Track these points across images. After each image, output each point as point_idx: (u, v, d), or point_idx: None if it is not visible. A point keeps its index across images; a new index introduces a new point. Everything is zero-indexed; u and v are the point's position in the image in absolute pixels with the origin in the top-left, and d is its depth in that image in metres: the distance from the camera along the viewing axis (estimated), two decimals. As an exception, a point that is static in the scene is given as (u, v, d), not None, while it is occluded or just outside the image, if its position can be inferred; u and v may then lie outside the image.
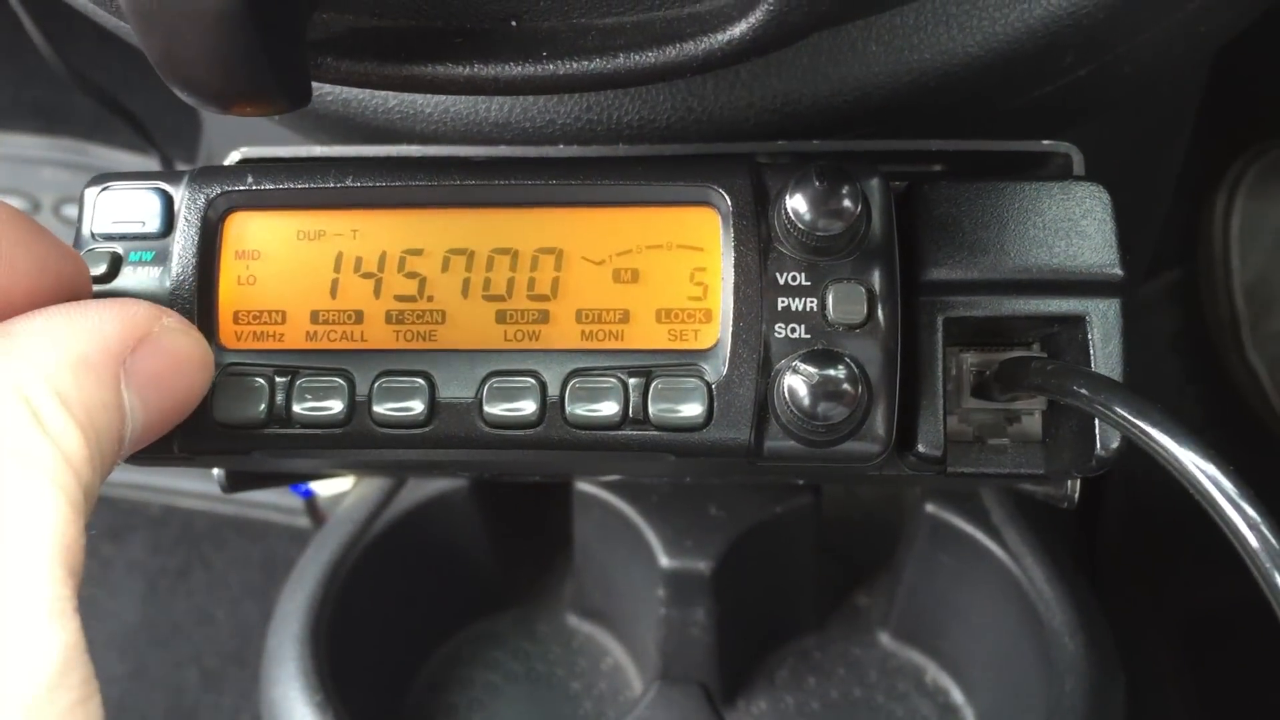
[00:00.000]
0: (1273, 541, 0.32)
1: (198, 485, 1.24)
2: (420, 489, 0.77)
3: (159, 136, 0.99)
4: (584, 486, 0.75)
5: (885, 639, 0.80)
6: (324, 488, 0.87)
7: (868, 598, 0.82)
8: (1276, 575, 0.31)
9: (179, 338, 0.38)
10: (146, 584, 1.20)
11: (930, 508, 0.73)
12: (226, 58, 0.35)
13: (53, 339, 0.34)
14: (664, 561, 0.71)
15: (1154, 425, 0.35)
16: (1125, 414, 0.36)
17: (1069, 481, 0.50)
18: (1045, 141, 0.49)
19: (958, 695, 0.78)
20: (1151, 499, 1.07)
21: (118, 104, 0.85)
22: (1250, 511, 0.33)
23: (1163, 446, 0.35)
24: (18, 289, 0.36)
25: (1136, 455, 0.41)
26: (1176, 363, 1.16)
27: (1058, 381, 0.40)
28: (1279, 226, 1.11)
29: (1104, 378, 0.39)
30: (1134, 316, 0.43)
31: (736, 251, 0.42)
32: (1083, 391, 0.38)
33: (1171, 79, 0.67)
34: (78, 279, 0.39)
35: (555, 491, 0.79)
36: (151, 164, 1.07)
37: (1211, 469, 0.33)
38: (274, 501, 1.23)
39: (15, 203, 1.35)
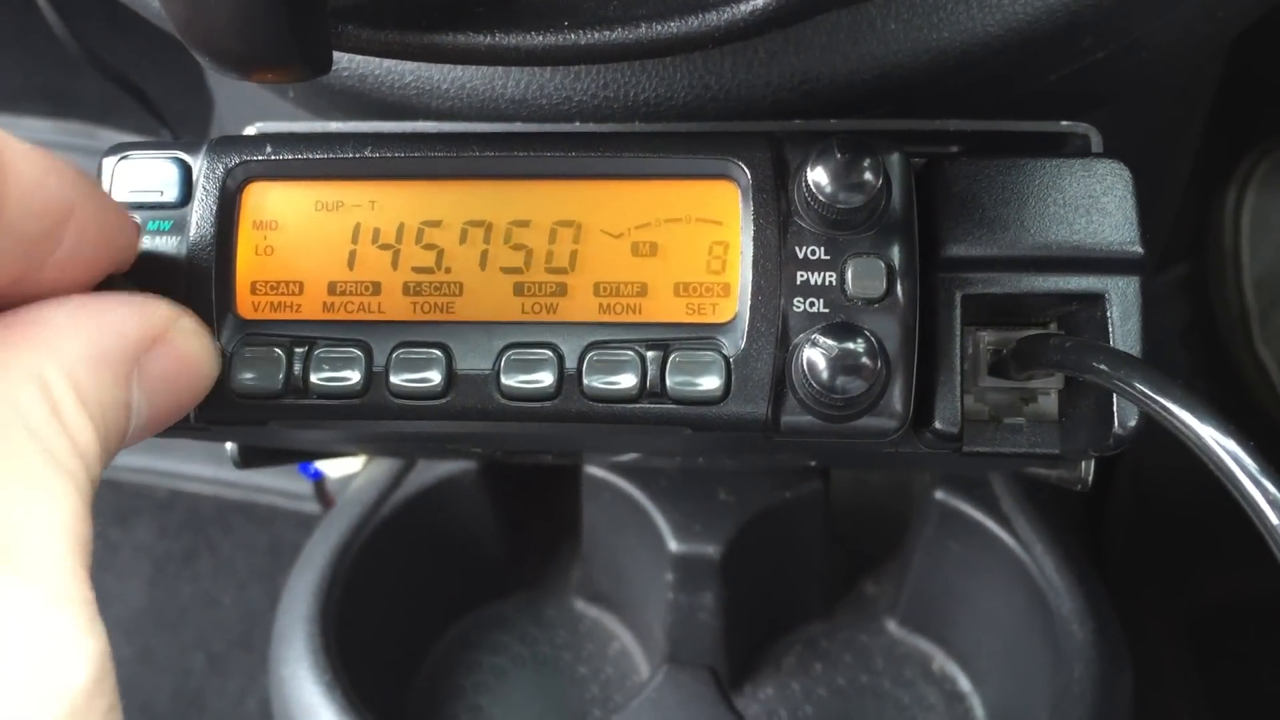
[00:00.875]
0: None
1: (204, 469, 1.24)
2: (429, 472, 0.77)
3: (170, 117, 0.99)
4: (593, 470, 0.75)
5: (893, 626, 0.80)
6: (333, 470, 0.87)
7: (876, 585, 0.82)
8: None
9: (192, 341, 0.39)
10: (153, 568, 1.21)
11: (939, 495, 0.73)
12: (249, 22, 0.35)
13: (76, 331, 0.35)
14: (673, 546, 0.71)
15: (1175, 401, 0.35)
16: (1146, 389, 0.36)
17: (1083, 463, 0.49)
18: (1064, 122, 0.49)
19: (965, 683, 0.78)
20: (1159, 490, 1.07)
21: (129, 83, 0.85)
22: (1271, 488, 0.33)
23: (1183, 422, 0.34)
24: (80, 260, 0.37)
25: (1144, 446, 0.41)
26: (1185, 356, 1.16)
27: (1077, 357, 0.39)
28: (1289, 221, 1.11)
29: (1124, 353, 0.39)
30: (1153, 295, 0.43)
31: (756, 225, 0.42)
32: (1102, 367, 0.38)
33: (1188, 67, 0.67)
34: (130, 248, 0.41)
35: (564, 475, 0.79)
36: (162, 147, 1.06)
37: (1232, 445, 0.33)
38: (280, 486, 1.23)
39: (25, 186, 1.35)
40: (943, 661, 0.79)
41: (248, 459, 0.55)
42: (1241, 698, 1.02)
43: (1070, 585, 0.68)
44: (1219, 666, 1.03)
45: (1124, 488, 1.09)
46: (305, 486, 1.08)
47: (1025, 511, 0.71)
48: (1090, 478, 0.50)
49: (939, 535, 0.75)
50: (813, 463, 0.71)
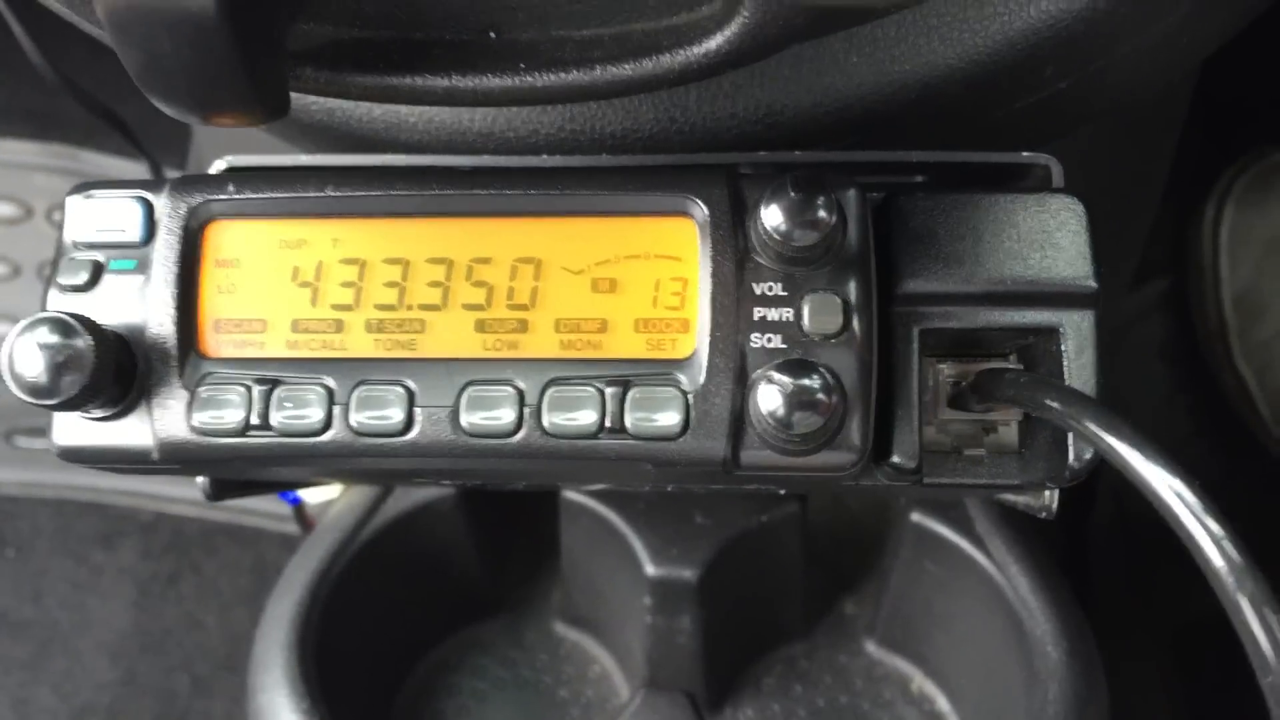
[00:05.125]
0: (1235, 559, 0.32)
1: (188, 492, 1.24)
2: (408, 496, 0.77)
3: (150, 143, 0.99)
4: (571, 494, 0.75)
5: (871, 647, 0.80)
6: (312, 495, 0.87)
7: (854, 606, 0.82)
8: (1239, 594, 0.32)
9: None
10: (137, 590, 1.20)
11: (915, 517, 0.74)
12: (204, 69, 0.35)
13: None
14: (650, 569, 0.71)
15: (1123, 440, 0.35)
16: (1095, 429, 0.36)
17: (1046, 491, 0.50)
18: (1024, 153, 0.49)
19: (943, 703, 0.78)
20: (1141, 508, 1.07)
21: (107, 111, 0.86)
22: (1215, 527, 0.33)
23: (1130, 463, 0.35)
24: None
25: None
26: (1165, 372, 1.17)
27: (1030, 394, 0.40)
28: (1268, 236, 1.12)
29: (1076, 392, 0.39)
30: (1111, 328, 0.44)
31: (714, 262, 0.42)
32: (1054, 405, 0.38)
33: (1155, 90, 0.67)
34: None
35: (542, 499, 0.79)
36: (142, 170, 1.07)
37: (1179, 485, 0.34)
38: (265, 508, 1.23)
39: (7, 209, 1.35)
40: (921, 682, 0.79)
41: (219, 491, 0.55)
42: (1224, 713, 1.02)
43: (1044, 606, 0.69)
44: (1202, 681, 1.04)
45: (1106, 503, 1.09)
46: (289, 507, 1.08)
47: (1000, 532, 0.71)
48: (1055, 505, 0.50)
49: (915, 556, 0.75)
50: (781, 491, 0.71)
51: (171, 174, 0.85)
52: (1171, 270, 1.17)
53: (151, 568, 1.22)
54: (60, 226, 0.46)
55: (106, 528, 1.22)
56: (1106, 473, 0.43)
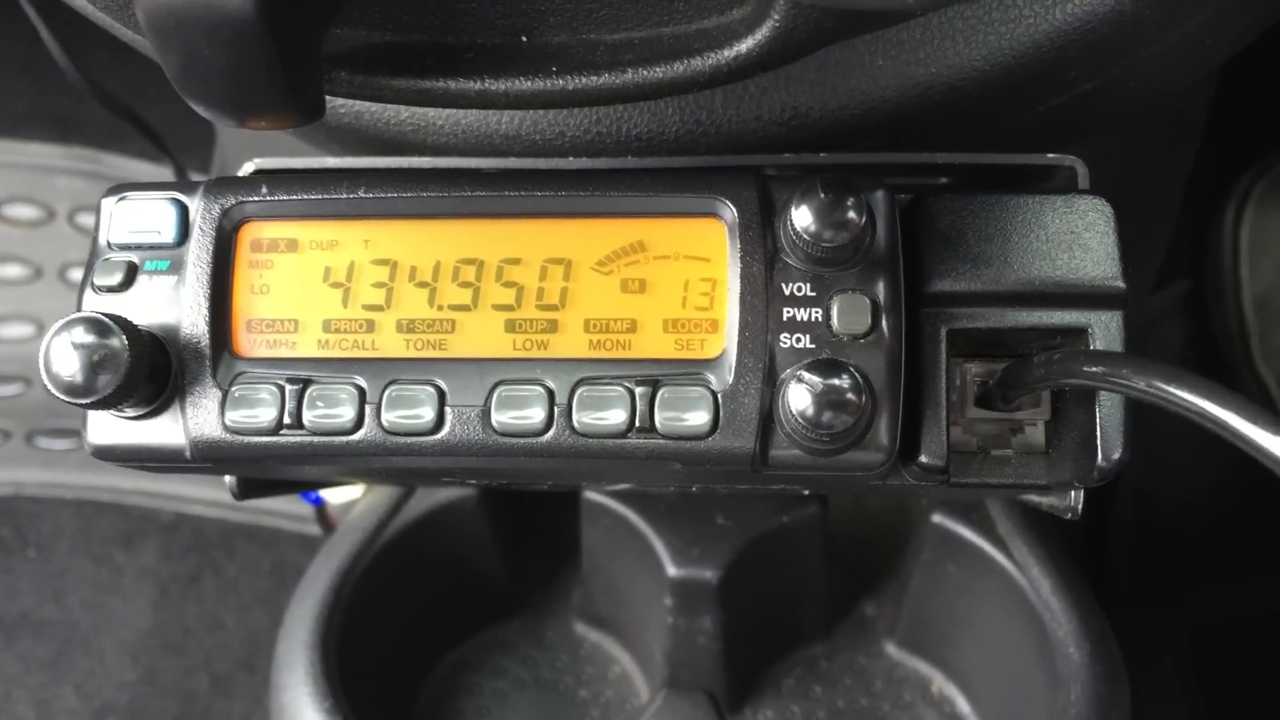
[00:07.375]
0: None
1: (209, 493, 1.25)
2: (429, 497, 0.78)
3: (173, 147, 1.00)
4: (592, 495, 0.76)
5: (892, 649, 0.80)
6: (334, 495, 0.87)
7: (875, 607, 0.83)
8: None
9: None
10: (158, 590, 1.21)
11: (937, 518, 0.74)
12: (242, 73, 0.35)
13: None
14: (671, 570, 0.72)
15: (1167, 380, 0.35)
16: (1134, 376, 0.36)
17: (1072, 493, 0.50)
18: (1050, 155, 0.49)
19: (964, 705, 0.78)
20: (1160, 512, 1.07)
21: (133, 114, 0.86)
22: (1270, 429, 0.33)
23: (1179, 397, 0.35)
24: None
25: (1145, 467, 0.42)
26: (1185, 375, 1.16)
27: (1063, 366, 0.40)
28: (1288, 238, 1.12)
29: (1105, 352, 0.39)
30: (1136, 329, 0.44)
31: (743, 262, 0.43)
32: (1092, 369, 0.38)
33: (1177, 92, 0.67)
34: None
35: (563, 500, 0.80)
36: (166, 174, 1.08)
37: (1231, 403, 0.33)
38: (284, 509, 1.24)
39: (30, 211, 1.36)
40: (942, 684, 0.79)
41: (246, 490, 0.56)
42: (1242, 713, 1.02)
43: (1067, 607, 0.69)
44: (1221, 684, 1.03)
45: (1125, 507, 1.09)
46: (308, 509, 1.09)
47: (1022, 534, 0.72)
48: (1080, 506, 0.50)
49: (937, 558, 0.75)
50: (805, 492, 0.71)
51: (197, 177, 0.86)
52: (1191, 273, 1.16)
53: (172, 568, 1.22)
54: (95, 228, 0.46)
55: (127, 528, 1.23)
56: (1126, 475, 0.43)
